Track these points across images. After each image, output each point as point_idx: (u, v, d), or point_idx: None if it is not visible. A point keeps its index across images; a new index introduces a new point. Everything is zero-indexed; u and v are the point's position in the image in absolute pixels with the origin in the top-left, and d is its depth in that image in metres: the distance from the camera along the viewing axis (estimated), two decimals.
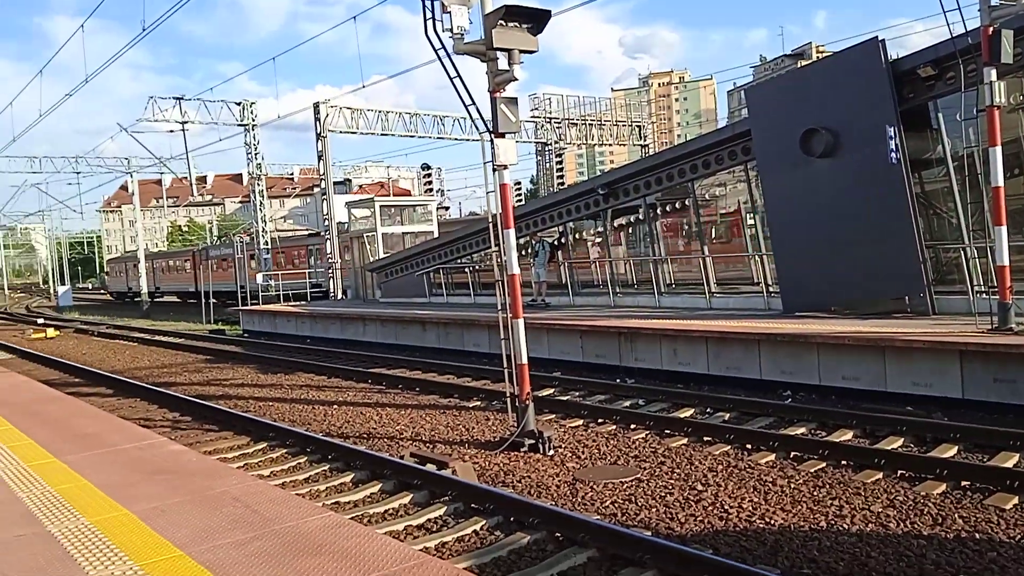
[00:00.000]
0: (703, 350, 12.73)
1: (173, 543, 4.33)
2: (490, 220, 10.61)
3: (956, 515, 6.52)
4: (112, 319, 39.95)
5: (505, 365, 9.96)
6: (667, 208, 22.97)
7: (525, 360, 9.73)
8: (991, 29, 10.59)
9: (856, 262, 13.33)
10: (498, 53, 9.60)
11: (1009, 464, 7.69)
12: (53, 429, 7.73)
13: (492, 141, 9.88)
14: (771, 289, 15.72)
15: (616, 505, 7.30)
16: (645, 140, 51.33)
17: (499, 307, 10.22)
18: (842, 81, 13.64)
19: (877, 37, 13.16)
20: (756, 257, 16.95)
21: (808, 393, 11.29)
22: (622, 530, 6.35)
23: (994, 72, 10.74)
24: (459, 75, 10.18)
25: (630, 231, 26.73)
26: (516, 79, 9.78)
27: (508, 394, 9.94)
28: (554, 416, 11.04)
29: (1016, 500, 6.73)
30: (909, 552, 5.85)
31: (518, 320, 9.78)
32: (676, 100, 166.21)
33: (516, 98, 9.83)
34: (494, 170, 10.04)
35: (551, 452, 9.07)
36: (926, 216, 13.90)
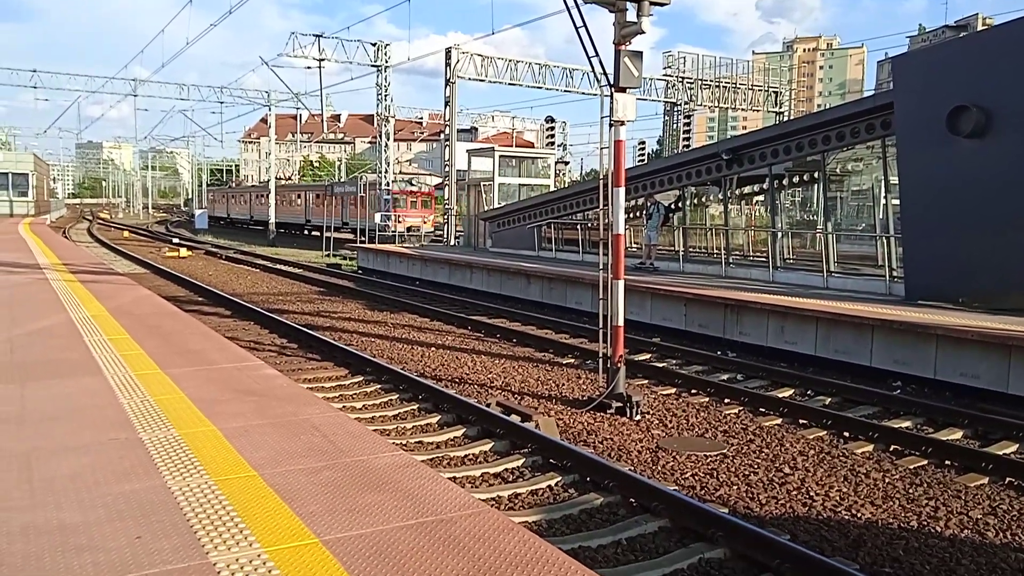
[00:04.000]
0: (812, 330, 12.19)
1: (249, 463, 4.51)
2: (600, 177, 10.43)
3: None
4: (241, 244, 42.06)
5: (600, 325, 9.89)
6: (794, 180, 22.08)
7: (621, 322, 9.61)
8: None
9: (993, 252, 12.37)
10: (627, 3, 9.35)
11: None
12: (164, 342, 8.21)
13: (611, 95, 9.67)
14: (895, 273, 14.86)
15: (696, 478, 7.14)
16: (781, 107, 49.23)
17: (600, 266, 10.12)
18: (1002, 56, 12.51)
19: None
20: (883, 238, 16.02)
21: (920, 386, 10.65)
22: (697, 503, 6.21)
23: None
24: (585, 25, 9.98)
25: (753, 201, 25.89)
26: (643, 32, 9.49)
27: (600, 354, 9.86)
28: (647, 381, 10.88)
29: None
30: (1005, 564, 5.48)
31: (618, 281, 9.65)
32: (820, 68, 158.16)
33: (641, 52, 9.56)
34: (610, 125, 9.84)
35: (638, 417, 8.96)
36: None
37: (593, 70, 10.09)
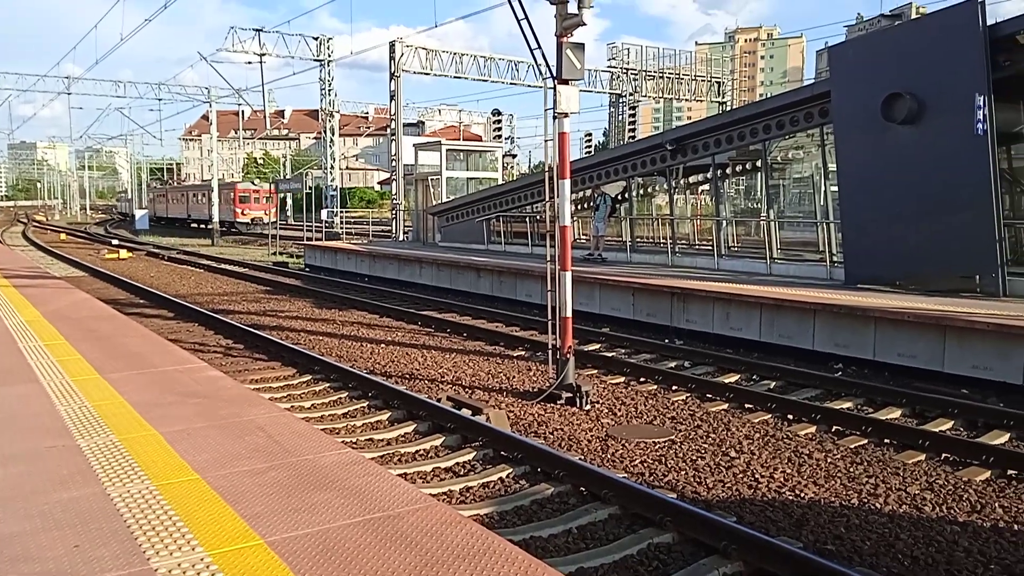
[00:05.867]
0: (756, 316, 12.44)
1: (191, 466, 4.44)
2: (546, 170, 10.47)
3: (997, 504, 6.27)
4: (184, 244, 41.20)
5: (549, 316, 9.94)
6: (736, 169, 22.45)
7: (570, 313, 9.67)
8: None
9: (927, 235, 12.76)
10: None
11: None
12: (102, 346, 8.02)
13: (555, 87, 9.70)
14: (835, 258, 15.23)
15: (645, 465, 7.24)
16: (724, 97, 49.95)
17: (548, 258, 10.17)
18: (933, 44, 12.88)
19: None
20: (823, 224, 16.39)
21: (860, 368, 10.95)
22: (646, 490, 6.29)
23: None
24: (527, 17, 10.00)
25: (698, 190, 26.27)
26: (585, 24, 9.54)
27: (550, 346, 9.92)
28: (596, 371, 10.97)
29: None
30: (941, 537, 5.66)
31: (566, 273, 9.71)
32: (762, 58, 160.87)
33: (583, 44, 9.59)
34: (554, 118, 9.88)
35: (587, 407, 9.04)
36: (1010, 192, 13.17)
37: (536, 63, 10.12)
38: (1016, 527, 5.85)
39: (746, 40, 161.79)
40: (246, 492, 4.07)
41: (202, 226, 54.78)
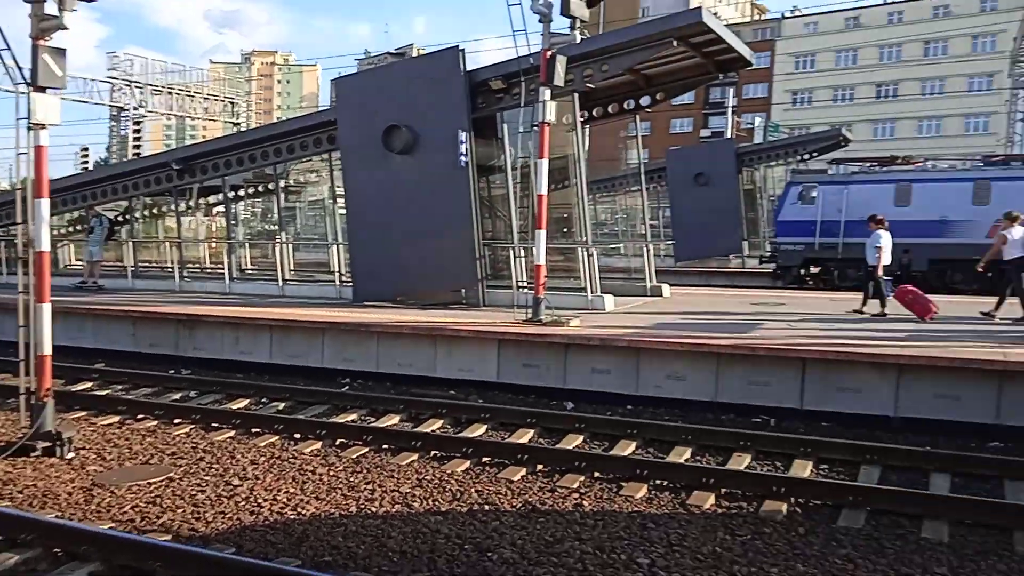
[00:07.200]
0: (267, 338, 12.35)
1: None
2: (18, 188, 9.07)
3: (473, 489, 7.05)
4: None
5: (21, 356, 8.58)
6: (250, 191, 22.22)
7: (48, 351, 8.47)
8: (549, 54, 11.75)
9: (422, 255, 14.02)
10: None
11: (523, 440, 8.60)
12: None
13: (28, 95, 8.46)
14: (344, 278, 15.89)
15: (137, 509, 6.59)
16: (238, 118, 49.19)
17: (20, 288, 8.81)
18: (425, 83, 14.19)
19: (458, 46, 13.98)
20: (334, 246, 17.00)
21: (366, 380, 11.55)
22: (133, 537, 5.72)
23: (548, 92, 11.93)
24: None
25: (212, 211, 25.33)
26: (66, 28, 8.47)
27: (22, 390, 8.55)
28: (86, 413, 9.78)
29: (523, 472, 7.50)
30: (426, 529, 6.15)
31: (43, 304, 8.52)
32: (279, 82, 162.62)
33: (64, 49, 8.51)
34: (28, 129, 8.60)
35: (70, 455, 7.98)
36: (491, 217, 15.12)
37: (6, 65, 8.72)
38: (487, 507, 6.63)
39: (263, 63, 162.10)
40: None
41: None
